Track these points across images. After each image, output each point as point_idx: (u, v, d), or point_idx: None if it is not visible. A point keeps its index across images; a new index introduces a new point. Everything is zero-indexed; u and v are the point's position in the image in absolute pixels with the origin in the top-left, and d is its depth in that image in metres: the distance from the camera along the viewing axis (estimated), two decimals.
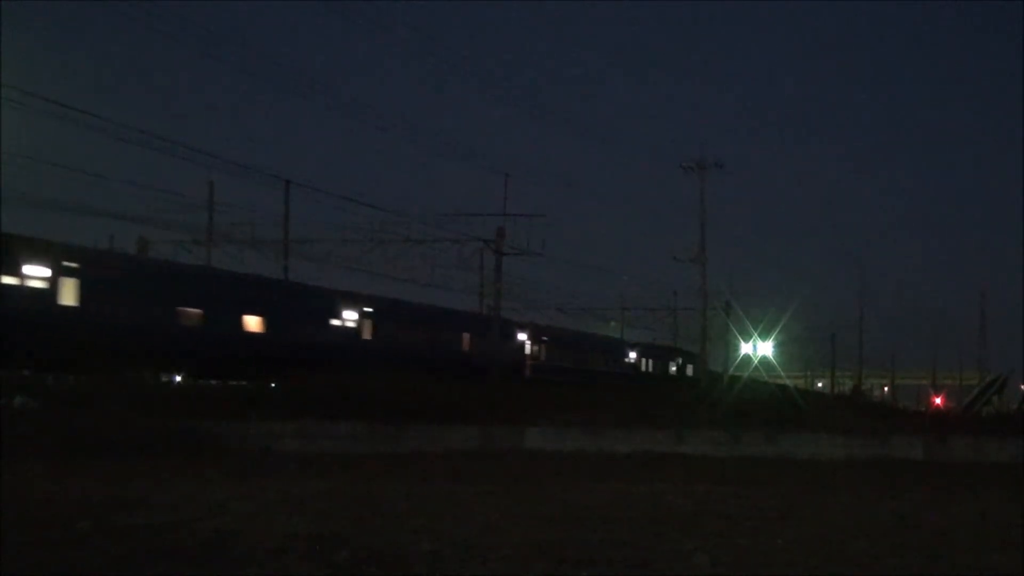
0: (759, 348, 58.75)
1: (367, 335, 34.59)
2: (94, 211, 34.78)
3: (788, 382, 52.35)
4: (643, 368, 56.55)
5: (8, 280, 23.27)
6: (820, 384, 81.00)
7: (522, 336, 44.86)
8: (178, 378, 28.20)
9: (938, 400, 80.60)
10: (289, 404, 21.09)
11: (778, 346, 60.07)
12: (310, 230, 40.85)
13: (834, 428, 22.38)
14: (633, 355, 56.35)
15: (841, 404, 35.72)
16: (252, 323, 30.20)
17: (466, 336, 40.86)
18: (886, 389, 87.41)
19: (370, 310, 35.06)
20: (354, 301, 34.54)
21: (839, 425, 22.96)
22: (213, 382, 27.90)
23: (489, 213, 41.21)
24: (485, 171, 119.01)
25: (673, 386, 44.29)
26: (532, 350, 45.10)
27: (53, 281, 24.23)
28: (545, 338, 46.72)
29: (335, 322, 33.43)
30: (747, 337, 58.17)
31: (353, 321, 34.06)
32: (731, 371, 53.64)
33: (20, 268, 23.59)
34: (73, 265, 24.75)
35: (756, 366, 58.08)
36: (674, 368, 60.90)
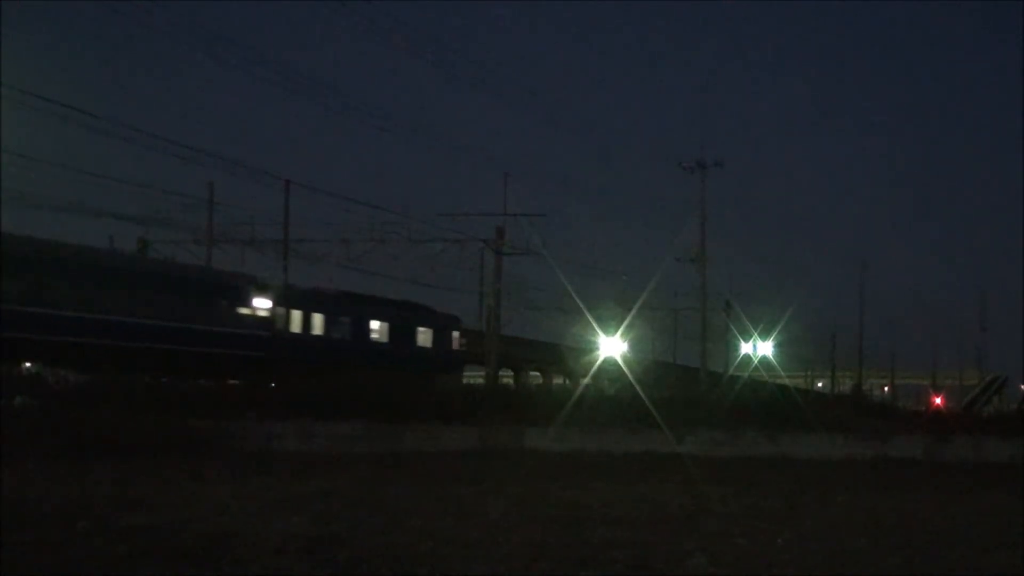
0: (759, 348, 58.78)
1: None
2: (94, 211, 34.83)
3: (788, 382, 52.27)
4: (291, 329, 32.38)
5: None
6: (820, 384, 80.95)
7: None
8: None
9: (938, 400, 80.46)
10: (289, 404, 21.09)
11: (778, 346, 60.12)
12: (310, 230, 40.99)
13: (834, 428, 22.35)
14: (264, 303, 31.30)
15: (841, 404, 35.67)
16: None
17: None
18: (886, 389, 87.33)
19: None
20: None
21: (839, 425, 22.94)
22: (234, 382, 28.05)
23: (489, 213, 41.21)
24: (485, 171, 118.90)
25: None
26: None
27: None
28: None
29: None
30: (747, 337, 58.20)
31: None
32: (731, 371, 53.62)
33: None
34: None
35: (756, 366, 58.04)
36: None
